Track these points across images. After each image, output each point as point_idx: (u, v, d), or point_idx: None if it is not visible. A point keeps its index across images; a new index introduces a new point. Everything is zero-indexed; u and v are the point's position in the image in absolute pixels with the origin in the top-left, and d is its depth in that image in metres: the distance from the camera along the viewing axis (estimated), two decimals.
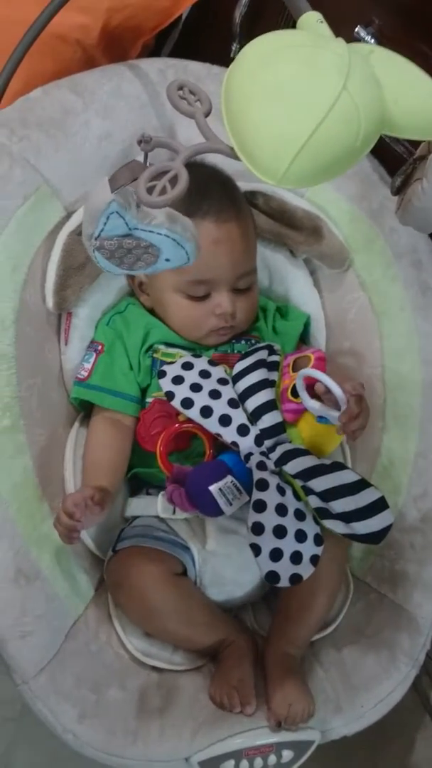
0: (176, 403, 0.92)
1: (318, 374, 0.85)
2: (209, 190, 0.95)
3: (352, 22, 0.98)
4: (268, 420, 0.91)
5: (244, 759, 0.88)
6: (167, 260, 0.71)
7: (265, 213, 1.05)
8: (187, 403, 0.92)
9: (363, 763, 1.20)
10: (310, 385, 0.88)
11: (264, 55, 0.61)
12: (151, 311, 1.03)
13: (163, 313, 1.01)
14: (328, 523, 0.82)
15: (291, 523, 0.82)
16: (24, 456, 0.91)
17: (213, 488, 0.87)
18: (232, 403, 0.93)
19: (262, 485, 0.84)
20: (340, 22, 0.89)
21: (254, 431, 0.92)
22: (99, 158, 0.99)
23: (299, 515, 0.83)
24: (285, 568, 0.80)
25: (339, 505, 0.83)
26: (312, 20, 0.67)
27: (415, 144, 0.72)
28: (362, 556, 1.05)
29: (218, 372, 0.95)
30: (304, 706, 0.88)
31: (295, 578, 0.81)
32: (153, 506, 0.99)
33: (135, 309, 1.03)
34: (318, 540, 0.83)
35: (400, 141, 1.04)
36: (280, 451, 0.89)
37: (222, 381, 0.95)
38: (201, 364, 0.96)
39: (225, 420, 0.92)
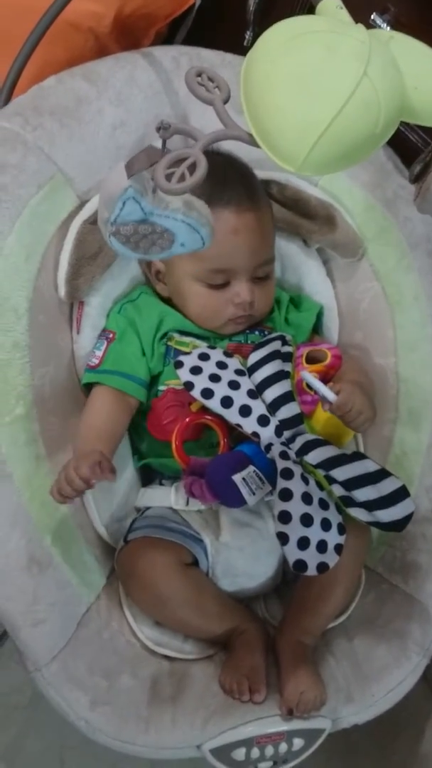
0: (196, 393, 0.92)
1: (309, 379, 0.89)
2: (228, 179, 0.95)
3: (368, 9, 0.97)
4: (286, 411, 0.91)
5: (255, 747, 0.88)
6: (182, 245, 0.71)
7: (279, 202, 1.05)
8: (208, 393, 0.92)
9: (372, 753, 1.20)
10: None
11: (284, 41, 0.60)
12: (167, 300, 1.03)
13: (181, 301, 1.01)
14: (353, 512, 0.83)
15: (316, 512, 0.82)
16: (37, 444, 0.91)
17: (236, 478, 0.87)
18: (251, 394, 0.93)
19: (288, 474, 0.84)
20: (356, 10, 0.88)
21: (274, 422, 0.92)
22: (113, 147, 0.99)
23: (323, 504, 0.84)
24: (312, 557, 0.81)
25: (362, 494, 0.84)
26: (331, 6, 0.67)
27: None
28: (374, 546, 1.05)
29: (234, 363, 0.95)
30: (316, 695, 0.89)
31: (322, 567, 0.81)
32: (166, 497, 1.00)
33: (148, 297, 1.03)
34: (341, 529, 0.84)
35: (416, 130, 1.03)
36: (300, 441, 0.89)
37: (239, 372, 0.95)
38: (217, 355, 0.96)
39: (245, 411, 0.92)
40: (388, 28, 0.97)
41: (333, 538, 0.82)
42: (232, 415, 0.92)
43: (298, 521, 0.81)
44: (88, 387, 1.00)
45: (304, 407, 0.91)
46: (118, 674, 0.92)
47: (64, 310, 0.99)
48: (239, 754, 0.88)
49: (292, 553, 0.80)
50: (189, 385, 0.93)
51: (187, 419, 0.95)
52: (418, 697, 1.14)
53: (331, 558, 0.82)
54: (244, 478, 0.87)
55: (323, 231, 1.04)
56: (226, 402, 0.92)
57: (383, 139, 0.61)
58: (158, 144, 0.65)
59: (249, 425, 0.91)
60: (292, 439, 0.90)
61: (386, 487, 0.84)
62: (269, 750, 0.88)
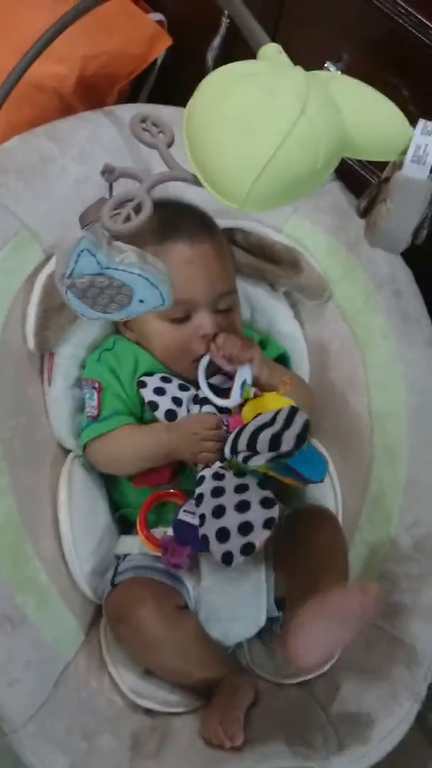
0: (160, 414, 0.95)
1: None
2: (182, 217, 0.97)
3: (322, 57, 1.01)
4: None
5: None
6: (141, 301, 0.71)
7: (244, 249, 1.06)
8: (171, 414, 0.95)
9: None
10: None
11: (224, 84, 0.62)
12: (139, 344, 1.03)
13: (148, 343, 1.00)
14: (252, 462, 0.82)
15: (229, 499, 0.84)
16: (7, 498, 0.90)
17: (181, 515, 0.90)
18: None
19: (199, 482, 0.87)
20: (310, 57, 0.91)
21: None
22: (77, 201, 0.98)
23: (239, 488, 0.85)
24: (235, 544, 0.81)
25: (261, 443, 0.82)
26: (272, 51, 0.69)
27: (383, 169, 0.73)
28: None
29: (193, 389, 0.98)
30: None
31: (247, 548, 0.81)
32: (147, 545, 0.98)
33: (122, 343, 1.03)
34: (267, 503, 0.84)
35: (374, 171, 1.06)
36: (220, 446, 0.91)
37: (195, 399, 0.97)
38: (177, 379, 0.98)
39: None
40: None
41: (258, 515, 0.83)
42: None
43: (211, 517, 0.83)
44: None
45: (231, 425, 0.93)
46: (97, 734, 0.89)
47: (35, 362, 1.00)
48: None
49: (217, 550, 0.81)
50: (153, 405, 0.95)
51: (148, 500, 0.97)
52: (414, 744, 1.11)
53: (258, 536, 0.82)
54: (185, 510, 0.90)
55: (289, 275, 1.06)
56: None
57: (325, 173, 0.63)
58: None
59: None
60: (221, 455, 0.91)
61: (279, 422, 0.82)
62: None
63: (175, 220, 0.96)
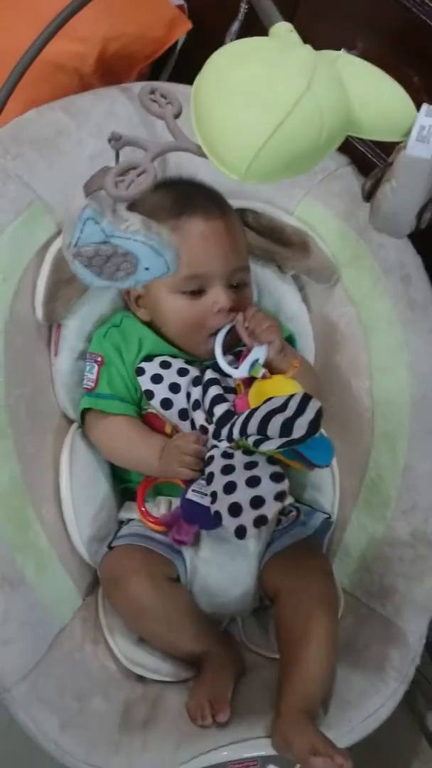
0: (155, 403, 0.96)
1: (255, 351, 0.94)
2: (196, 195, 0.98)
3: (337, 45, 1.01)
4: (219, 410, 0.93)
5: None
6: (147, 269, 0.73)
7: (254, 230, 1.07)
8: (167, 404, 0.96)
9: None
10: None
11: (232, 58, 0.63)
12: (149, 324, 1.03)
13: (162, 320, 1.01)
14: (263, 447, 0.82)
15: (240, 476, 0.84)
16: (11, 462, 0.92)
17: (189, 495, 0.90)
18: (195, 405, 0.96)
19: (209, 461, 0.88)
20: (325, 44, 0.92)
21: (211, 428, 0.93)
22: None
23: (249, 465, 0.86)
24: (248, 517, 0.82)
25: (273, 428, 0.82)
26: (283, 30, 0.70)
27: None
28: (352, 570, 1.04)
29: (194, 371, 0.99)
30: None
31: (260, 520, 0.82)
32: (149, 511, 1.00)
33: (129, 321, 1.04)
34: (277, 477, 0.84)
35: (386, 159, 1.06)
36: (229, 427, 0.91)
37: (195, 381, 0.97)
38: (178, 362, 0.99)
39: (193, 423, 0.96)
40: None
41: (268, 488, 0.83)
42: (185, 428, 0.97)
43: (222, 493, 0.83)
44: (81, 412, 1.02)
45: (237, 406, 0.93)
46: (90, 697, 0.91)
47: (43, 333, 1.01)
48: None
49: (230, 523, 0.82)
50: (149, 394, 0.96)
51: (146, 483, 1.00)
52: (405, 730, 1.12)
53: (269, 508, 0.82)
54: (193, 490, 0.90)
55: (297, 257, 1.06)
56: (183, 414, 0.96)
57: (327, 150, 0.64)
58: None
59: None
60: (230, 435, 0.91)
61: (291, 408, 0.82)
62: None
63: (189, 197, 0.98)
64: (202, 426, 0.94)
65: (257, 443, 0.84)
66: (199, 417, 0.95)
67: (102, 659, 0.96)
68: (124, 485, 1.05)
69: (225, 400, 0.94)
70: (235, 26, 1.16)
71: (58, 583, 0.96)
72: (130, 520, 1.01)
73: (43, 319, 0.98)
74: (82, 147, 1.02)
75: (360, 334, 1.06)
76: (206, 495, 0.88)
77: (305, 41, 0.98)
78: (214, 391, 0.96)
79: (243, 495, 0.83)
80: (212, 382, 0.97)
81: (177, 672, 0.95)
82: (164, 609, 0.93)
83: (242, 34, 1.16)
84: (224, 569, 0.97)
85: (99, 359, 1.00)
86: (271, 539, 0.99)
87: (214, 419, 0.93)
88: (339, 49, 1.00)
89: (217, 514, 0.83)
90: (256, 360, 0.95)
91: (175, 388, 0.96)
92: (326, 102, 0.61)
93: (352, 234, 1.06)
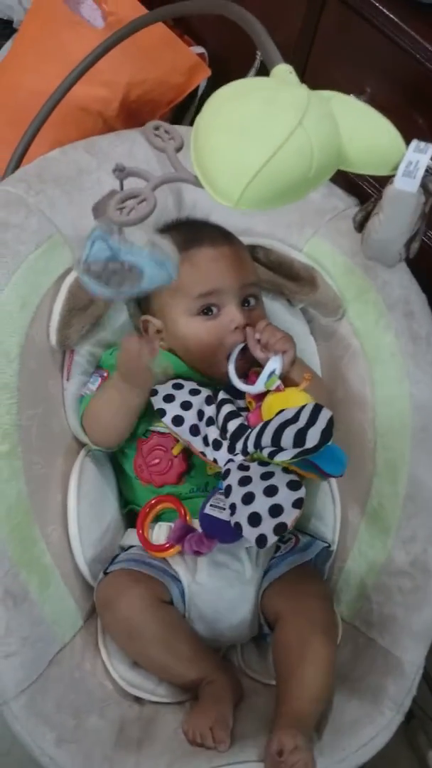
0: (167, 420, 0.98)
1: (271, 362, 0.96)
2: (201, 229, 1.04)
3: (346, 90, 1.06)
4: (232, 426, 0.95)
5: None
6: (149, 279, 0.77)
7: (264, 265, 1.11)
8: (179, 420, 0.98)
9: None
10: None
11: (230, 95, 0.68)
12: (170, 352, 1.05)
13: (183, 345, 1.03)
14: (278, 458, 0.84)
15: (257, 486, 0.85)
16: (19, 481, 0.95)
17: (207, 509, 0.92)
18: (209, 422, 0.97)
19: (225, 475, 0.89)
20: (336, 88, 0.97)
21: (225, 444, 0.95)
22: None
23: (266, 476, 0.87)
24: (267, 526, 0.83)
25: (286, 439, 0.84)
26: (283, 71, 0.74)
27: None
28: (351, 599, 1.05)
29: (205, 391, 1.01)
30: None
31: (279, 528, 0.83)
32: (148, 537, 1.02)
33: None
34: (294, 485, 0.86)
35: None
36: (243, 441, 0.92)
37: (208, 400, 0.99)
38: (190, 384, 1.01)
39: (206, 439, 0.97)
40: None
41: (286, 497, 0.84)
42: (197, 443, 0.98)
43: (241, 504, 0.85)
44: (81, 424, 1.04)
45: (250, 420, 0.95)
46: (86, 714, 0.92)
47: (57, 358, 1.05)
48: None
49: (251, 534, 0.83)
50: (161, 412, 0.98)
51: (147, 509, 1.02)
52: (404, 766, 1.11)
53: (288, 515, 0.83)
54: (211, 505, 0.92)
55: (305, 291, 1.10)
56: (194, 430, 0.98)
57: (317, 183, 0.68)
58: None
59: (210, 453, 0.96)
60: (245, 448, 0.92)
61: (303, 418, 0.84)
62: None
63: (197, 232, 1.04)
64: (215, 440, 0.96)
65: (272, 455, 0.85)
66: (213, 432, 0.96)
67: (100, 678, 0.97)
68: (130, 507, 1.08)
69: (239, 415, 0.96)
70: (251, 73, 1.22)
71: (61, 602, 0.98)
72: (130, 546, 1.04)
73: (57, 345, 1.02)
74: (101, 185, 1.07)
75: (364, 367, 1.09)
76: (224, 509, 0.90)
77: (316, 86, 1.03)
78: (227, 408, 0.97)
79: (261, 505, 0.85)
80: (225, 401, 0.99)
81: (173, 694, 0.97)
82: (157, 631, 0.94)
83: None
84: (221, 596, 0.99)
85: (104, 374, 1.03)
86: (269, 566, 1.01)
87: (228, 435, 0.95)
88: (348, 93, 1.07)
89: (237, 525, 0.85)
90: (273, 371, 0.97)
91: (186, 405, 0.99)
92: (317, 137, 0.65)
93: (358, 271, 1.10)
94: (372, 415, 1.07)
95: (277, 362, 0.97)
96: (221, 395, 1.00)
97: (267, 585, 1.00)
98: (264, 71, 1.18)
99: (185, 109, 1.35)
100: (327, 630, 0.96)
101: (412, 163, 0.69)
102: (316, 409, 0.84)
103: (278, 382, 0.96)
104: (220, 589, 0.99)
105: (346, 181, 1.12)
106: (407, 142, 0.78)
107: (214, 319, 1.02)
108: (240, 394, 1.01)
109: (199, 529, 0.97)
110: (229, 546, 0.97)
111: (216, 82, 1.31)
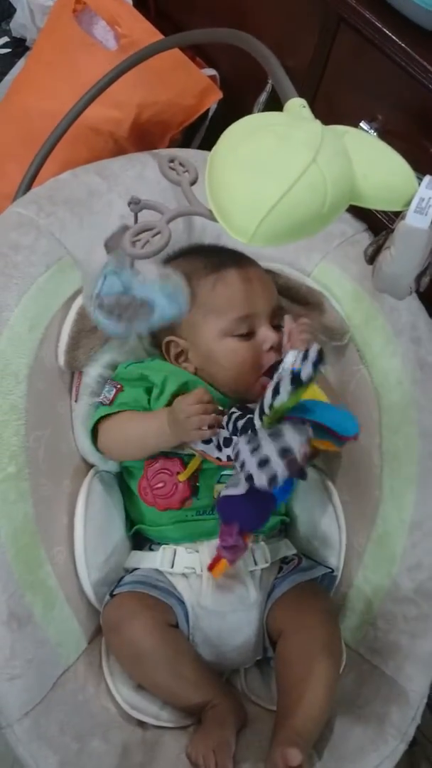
0: None
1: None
2: (222, 252, 1.06)
3: (357, 116, 1.07)
4: (241, 422, 0.93)
5: None
6: (162, 312, 0.78)
7: None
8: None
9: None
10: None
11: (244, 131, 0.69)
12: (196, 374, 1.05)
13: (215, 366, 1.03)
14: (277, 400, 0.82)
15: (263, 437, 0.83)
16: (26, 503, 0.95)
17: (222, 491, 0.90)
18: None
19: (235, 445, 0.88)
20: (346, 117, 0.98)
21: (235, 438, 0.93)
22: None
23: (272, 432, 0.84)
24: (278, 464, 0.81)
25: (284, 385, 0.82)
26: (296, 105, 0.75)
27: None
28: (356, 626, 1.05)
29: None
30: None
31: (291, 464, 0.81)
32: (153, 560, 1.03)
33: (158, 360, 1.07)
34: (299, 430, 0.83)
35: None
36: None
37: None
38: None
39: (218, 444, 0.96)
40: (376, 135, 1.06)
41: (293, 438, 0.82)
42: (210, 450, 0.96)
43: (249, 455, 0.83)
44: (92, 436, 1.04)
45: None
46: (89, 737, 0.92)
47: (65, 379, 1.06)
48: None
49: (261, 477, 0.81)
50: None
51: None
52: None
53: (298, 452, 0.81)
54: (227, 486, 0.90)
55: (313, 316, 1.10)
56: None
57: (331, 219, 0.68)
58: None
59: (223, 454, 0.95)
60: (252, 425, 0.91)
61: (297, 363, 0.82)
62: None
63: (219, 255, 1.05)
64: (225, 438, 0.95)
65: (272, 403, 0.84)
66: (223, 434, 0.95)
67: (103, 701, 0.97)
68: (136, 528, 1.08)
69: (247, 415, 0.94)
70: (263, 97, 1.22)
71: (65, 624, 0.98)
72: (135, 569, 1.04)
73: (65, 366, 1.03)
74: (112, 207, 1.08)
75: (371, 392, 1.09)
76: (238, 485, 0.88)
77: (328, 113, 1.04)
78: (236, 413, 0.95)
79: (269, 448, 0.82)
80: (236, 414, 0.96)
81: (177, 719, 0.96)
82: (163, 654, 0.94)
83: (269, 103, 1.23)
84: (225, 619, 0.99)
85: (118, 386, 1.03)
86: (272, 587, 1.01)
87: (239, 430, 0.93)
88: (360, 120, 1.08)
89: (248, 476, 0.82)
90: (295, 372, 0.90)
91: None
92: (330, 174, 0.66)
93: (366, 296, 1.10)
94: (378, 440, 1.07)
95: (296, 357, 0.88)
96: (233, 409, 0.97)
97: (271, 605, 1.00)
98: (276, 95, 1.21)
99: (196, 131, 1.36)
100: (329, 646, 0.96)
101: (424, 200, 0.70)
102: (305, 352, 0.82)
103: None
104: (224, 614, 0.99)
105: (356, 206, 1.12)
106: (419, 170, 0.79)
107: (249, 340, 1.02)
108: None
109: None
110: (232, 570, 0.97)
111: (227, 104, 1.31)
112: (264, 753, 0.90)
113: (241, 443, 0.86)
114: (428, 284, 0.78)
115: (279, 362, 0.90)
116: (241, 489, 0.88)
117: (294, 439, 0.82)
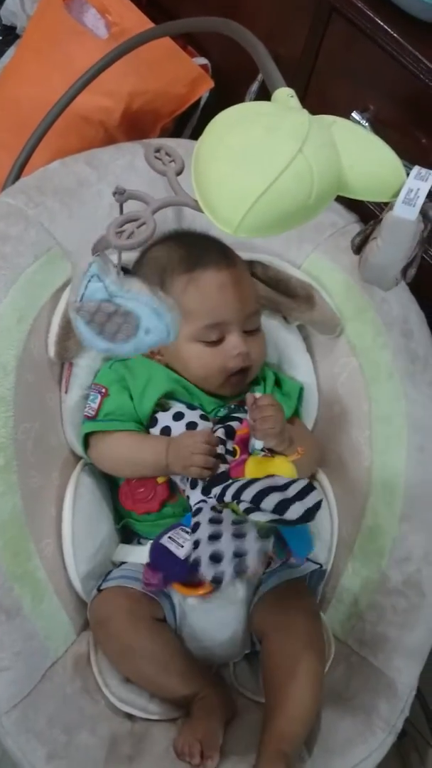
0: (156, 431, 0.98)
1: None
2: (204, 247, 1.03)
3: (349, 106, 1.06)
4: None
5: None
6: (147, 332, 0.75)
7: (261, 281, 1.11)
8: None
9: None
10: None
11: (230, 121, 0.68)
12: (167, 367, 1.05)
13: (182, 366, 1.04)
14: (253, 516, 0.82)
15: (227, 528, 0.84)
16: (14, 495, 0.95)
17: (163, 540, 0.92)
18: None
19: (197, 512, 0.89)
20: (337, 107, 0.97)
21: (201, 485, 0.94)
22: None
23: (237, 522, 0.85)
24: (228, 565, 0.82)
25: (269, 502, 0.82)
26: (284, 95, 0.74)
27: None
28: (345, 618, 1.05)
29: (204, 425, 1.00)
30: None
31: (240, 568, 0.82)
32: (141, 554, 1.02)
33: (140, 358, 1.06)
34: (264, 534, 0.84)
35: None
36: (221, 488, 0.90)
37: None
38: (192, 416, 1.00)
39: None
40: (367, 124, 1.05)
41: (253, 544, 0.83)
42: (179, 480, 0.99)
43: (206, 540, 0.83)
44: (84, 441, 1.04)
45: (232, 472, 0.93)
46: (77, 730, 0.92)
47: (55, 370, 1.05)
48: None
49: (208, 571, 0.82)
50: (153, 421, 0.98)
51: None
52: None
53: (252, 560, 0.82)
54: (170, 537, 0.92)
55: (302, 309, 1.10)
56: None
57: (317, 210, 0.67)
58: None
59: (185, 487, 0.97)
60: (221, 496, 0.89)
61: (292, 491, 0.83)
62: None
63: (200, 250, 1.03)
64: (193, 479, 0.95)
65: (248, 511, 0.84)
66: None
67: (92, 694, 0.97)
68: (124, 522, 1.07)
69: (224, 461, 0.95)
70: (254, 86, 1.21)
71: (54, 616, 0.97)
72: (122, 563, 1.03)
73: (56, 357, 1.02)
74: (102, 197, 1.07)
75: (361, 385, 1.09)
76: (181, 546, 0.90)
77: (319, 103, 1.03)
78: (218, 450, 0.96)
79: (227, 545, 0.83)
80: (218, 440, 0.97)
81: (165, 711, 0.96)
82: (150, 648, 0.94)
83: (261, 92, 1.22)
84: (212, 615, 0.99)
85: (103, 390, 1.03)
86: (259, 582, 1.01)
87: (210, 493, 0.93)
88: (352, 110, 1.07)
89: (196, 561, 0.83)
90: (254, 450, 0.96)
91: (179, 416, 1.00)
92: (317, 164, 0.65)
93: (357, 289, 1.10)
94: (369, 432, 1.07)
95: (260, 444, 0.96)
96: (219, 432, 0.98)
97: (256, 601, 1.00)
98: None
99: (187, 120, 1.35)
100: (313, 646, 0.96)
101: (412, 191, 0.69)
102: (308, 488, 0.84)
103: (263, 453, 0.95)
104: (211, 610, 0.99)
105: (346, 197, 1.11)
106: (410, 160, 0.78)
107: (216, 347, 1.02)
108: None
109: None
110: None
111: (219, 93, 1.30)
112: (249, 743, 0.91)
113: (203, 519, 0.87)
114: (414, 276, 0.77)
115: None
116: (181, 554, 0.91)
117: (253, 547, 0.83)
